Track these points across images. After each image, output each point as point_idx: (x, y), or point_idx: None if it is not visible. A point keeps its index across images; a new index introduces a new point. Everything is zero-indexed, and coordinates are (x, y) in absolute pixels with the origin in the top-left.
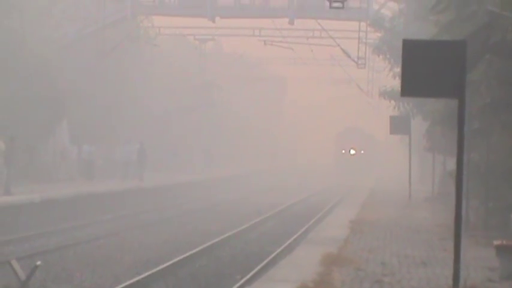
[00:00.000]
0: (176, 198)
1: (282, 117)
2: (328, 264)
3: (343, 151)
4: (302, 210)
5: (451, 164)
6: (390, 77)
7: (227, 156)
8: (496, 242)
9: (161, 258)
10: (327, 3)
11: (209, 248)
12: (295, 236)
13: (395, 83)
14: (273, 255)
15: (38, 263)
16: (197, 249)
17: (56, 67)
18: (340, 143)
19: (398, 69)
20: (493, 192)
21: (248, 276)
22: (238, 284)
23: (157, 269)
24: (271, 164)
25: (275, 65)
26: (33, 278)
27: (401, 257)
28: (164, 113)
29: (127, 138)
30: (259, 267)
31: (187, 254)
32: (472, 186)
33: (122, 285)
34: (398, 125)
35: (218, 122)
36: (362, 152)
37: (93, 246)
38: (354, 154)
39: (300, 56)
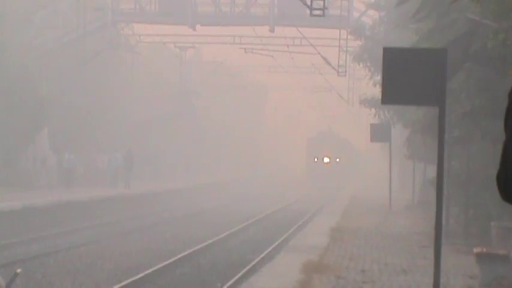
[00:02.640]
0: (157, 206)
1: (262, 125)
2: (309, 272)
3: (316, 159)
4: (283, 217)
5: (432, 172)
6: (371, 85)
7: (208, 164)
8: (476, 250)
9: (142, 266)
10: (308, 11)
11: (190, 256)
12: (276, 244)
13: (376, 91)
14: (253, 263)
15: (18, 270)
16: (178, 257)
17: (36, 75)
18: (312, 149)
19: (378, 77)
20: (473, 200)
21: (229, 284)
22: None
23: (138, 276)
24: (251, 172)
25: (256, 72)
26: (14, 285)
27: (381, 264)
28: (144, 121)
29: (109, 145)
30: (240, 274)
31: (168, 262)
32: (452, 194)
33: None
34: (379, 133)
35: (198, 130)
36: (337, 160)
37: (74, 253)
38: (328, 162)
39: (280, 64)
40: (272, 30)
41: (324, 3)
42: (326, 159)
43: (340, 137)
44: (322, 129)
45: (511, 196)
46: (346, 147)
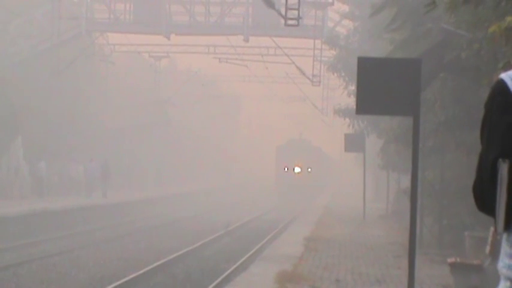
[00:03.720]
0: (130, 216)
1: (236, 135)
2: (283, 282)
3: (286, 169)
4: (257, 227)
5: (406, 182)
6: (345, 95)
7: (181, 174)
8: (450, 260)
9: (115, 276)
10: (282, 21)
11: (164, 265)
12: (250, 253)
13: (350, 101)
14: (227, 273)
15: None
16: (152, 266)
17: (10, 83)
18: (281, 159)
19: (353, 87)
20: (447, 210)
21: None
22: None
23: (112, 286)
24: (225, 181)
25: (230, 82)
26: None
27: (355, 274)
28: (119, 130)
29: (83, 155)
30: (213, 284)
31: (142, 271)
32: (426, 204)
33: None
34: (353, 143)
35: (173, 139)
36: (309, 170)
37: (47, 263)
38: (299, 173)
39: (254, 74)
40: (246, 40)
41: (299, 13)
42: (297, 169)
43: (312, 145)
44: (292, 136)
45: (486, 206)
46: (319, 156)
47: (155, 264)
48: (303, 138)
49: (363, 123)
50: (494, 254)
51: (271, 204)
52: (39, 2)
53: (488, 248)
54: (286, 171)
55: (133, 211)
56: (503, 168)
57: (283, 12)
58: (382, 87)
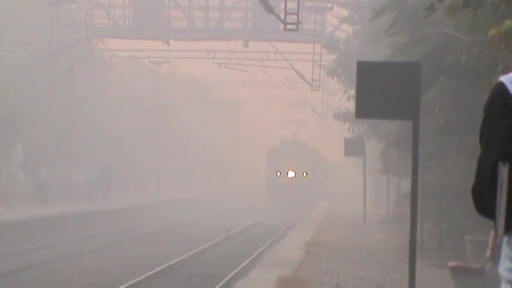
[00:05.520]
0: (131, 221)
1: (236, 140)
2: (284, 286)
3: (278, 173)
4: (257, 232)
5: (406, 186)
6: (345, 99)
7: (181, 179)
8: (451, 264)
9: (116, 281)
10: (281, 26)
11: (165, 270)
12: (250, 258)
13: (350, 105)
14: (228, 277)
15: None
16: (153, 272)
17: (9, 90)
18: (273, 162)
19: (352, 91)
20: (447, 214)
21: None
22: None
23: None
24: (226, 186)
25: (229, 87)
26: None
27: (356, 278)
28: (118, 136)
29: (83, 161)
30: None
31: (143, 277)
32: (427, 208)
33: None
34: (353, 147)
35: (172, 145)
36: (305, 174)
37: (48, 269)
38: (293, 178)
39: (254, 79)
40: (246, 45)
41: (298, 18)
42: (291, 174)
43: (308, 146)
44: (285, 137)
45: (485, 208)
46: (316, 158)
47: (156, 270)
48: (297, 139)
49: (363, 127)
50: (495, 257)
51: (271, 209)
52: (38, 8)
53: (488, 252)
54: (279, 176)
55: (134, 216)
56: (503, 171)
57: (282, 17)
58: (381, 91)
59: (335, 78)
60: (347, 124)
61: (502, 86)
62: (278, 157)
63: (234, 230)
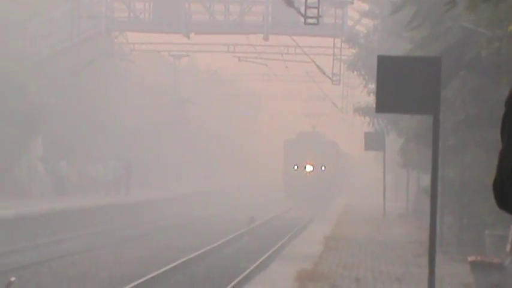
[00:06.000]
0: (150, 214)
1: (256, 133)
2: (303, 280)
3: (295, 167)
4: (277, 226)
5: (426, 181)
6: (365, 94)
7: (201, 173)
8: (471, 258)
9: (136, 275)
10: (302, 20)
11: (184, 264)
12: (270, 252)
13: (370, 99)
14: (248, 271)
15: (13, 279)
16: (172, 265)
17: (30, 83)
18: (290, 155)
19: (372, 86)
20: (467, 208)
21: None
22: None
23: (132, 285)
24: (245, 180)
25: (250, 81)
26: None
27: (376, 273)
28: (138, 129)
29: (103, 154)
30: (234, 283)
31: (162, 270)
32: (446, 202)
33: None
34: (373, 142)
35: (192, 138)
36: (323, 168)
37: (68, 262)
38: (311, 172)
39: (274, 73)
40: (266, 39)
41: (318, 12)
42: (308, 168)
43: (326, 138)
44: (303, 129)
45: (506, 203)
46: (335, 152)
47: (175, 263)
48: (315, 131)
49: (383, 121)
50: None
51: (291, 203)
52: (58, 1)
53: (509, 246)
54: (296, 170)
55: (153, 210)
56: None
57: (302, 11)
58: (402, 85)
59: (355, 73)
60: (367, 118)
61: None
62: (295, 150)
63: (253, 224)
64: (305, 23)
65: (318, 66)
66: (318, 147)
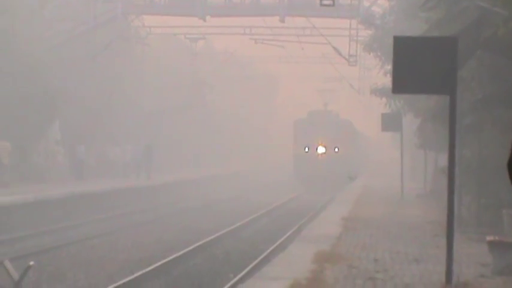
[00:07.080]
0: (169, 197)
1: (273, 115)
2: (321, 262)
3: (306, 149)
4: (295, 207)
5: (443, 161)
6: (381, 75)
7: (219, 155)
8: (489, 238)
9: (155, 257)
10: (318, 1)
11: (203, 247)
12: (288, 234)
13: (387, 80)
14: (266, 253)
15: (31, 263)
16: (191, 248)
17: (47, 67)
18: (301, 136)
19: (389, 67)
20: (485, 188)
21: (241, 274)
22: (231, 282)
23: (151, 268)
24: (263, 162)
25: (266, 63)
26: (27, 278)
27: (393, 253)
28: (156, 112)
29: (121, 137)
30: (252, 265)
31: (181, 253)
32: (464, 182)
33: (115, 285)
34: (390, 122)
35: (210, 121)
36: (336, 150)
37: (87, 245)
38: (323, 154)
39: (291, 54)
40: (282, 21)
41: None
42: (321, 150)
43: (340, 118)
44: (315, 108)
45: None
46: (350, 132)
47: (194, 246)
48: (327, 110)
49: (400, 102)
50: None
51: (301, 188)
52: None
53: None
54: (307, 152)
55: (172, 192)
56: None
57: None
58: (418, 66)
59: (371, 54)
60: (384, 99)
61: None
62: (306, 131)
63: (272, 205)
64: (321, 4)
65: (334, 48)
66: (331, 127)
